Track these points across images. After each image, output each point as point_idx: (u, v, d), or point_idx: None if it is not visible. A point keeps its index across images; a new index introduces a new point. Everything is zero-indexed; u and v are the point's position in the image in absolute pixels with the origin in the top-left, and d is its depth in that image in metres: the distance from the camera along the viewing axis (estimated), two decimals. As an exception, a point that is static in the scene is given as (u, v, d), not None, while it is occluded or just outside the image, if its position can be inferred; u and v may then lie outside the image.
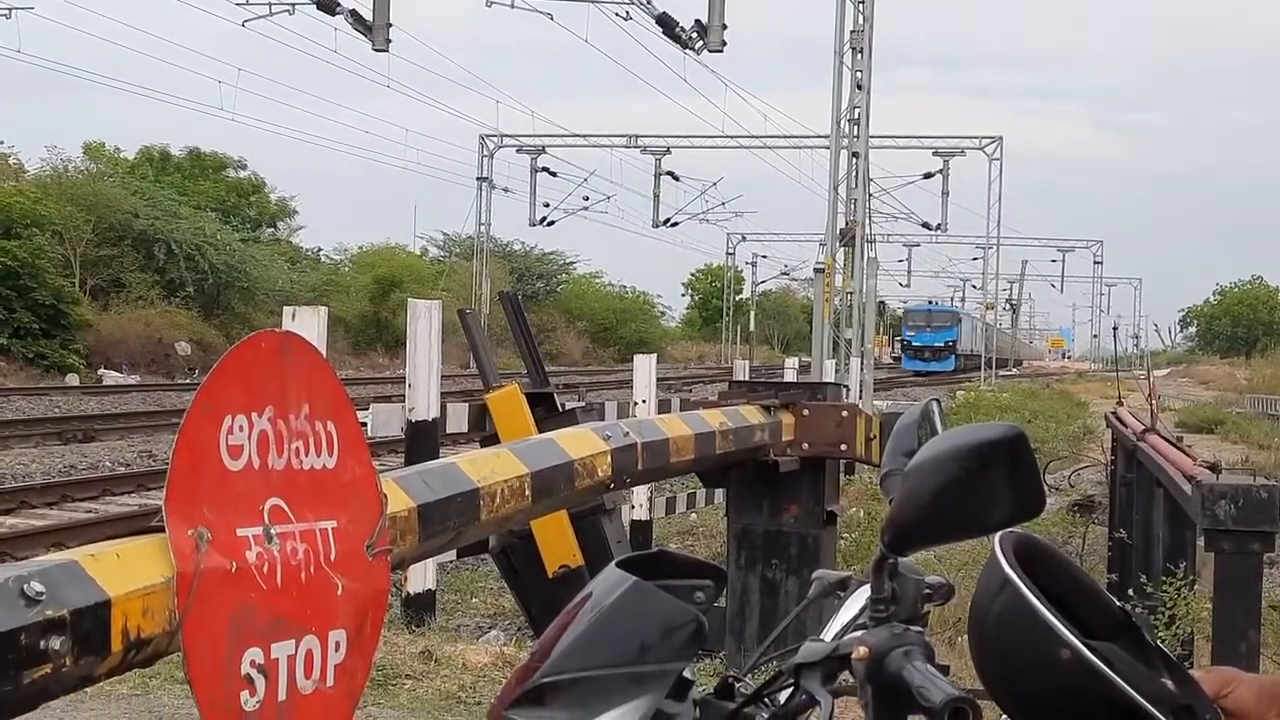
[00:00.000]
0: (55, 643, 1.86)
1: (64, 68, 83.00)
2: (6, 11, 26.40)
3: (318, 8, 22.82)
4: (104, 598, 1.97)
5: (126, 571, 2.04)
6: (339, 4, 22.57)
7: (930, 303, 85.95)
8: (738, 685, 1.74)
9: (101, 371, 33.58)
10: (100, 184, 40.90)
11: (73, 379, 31.96)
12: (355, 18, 22.36)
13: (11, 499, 13.93)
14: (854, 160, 22.18)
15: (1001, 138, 50.09)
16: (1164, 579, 7.56)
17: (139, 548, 2.10)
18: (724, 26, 21.46)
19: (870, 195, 23.97)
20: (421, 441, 7.73)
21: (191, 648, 2.09)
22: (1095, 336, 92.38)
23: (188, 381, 31.18)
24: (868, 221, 23.42)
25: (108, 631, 1.97)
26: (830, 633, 1.74)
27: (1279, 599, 9.91)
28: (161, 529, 2.10)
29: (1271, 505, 5.47)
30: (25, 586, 1.85)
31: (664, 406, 10.88)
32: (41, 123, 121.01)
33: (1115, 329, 49.03)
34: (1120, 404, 12.79)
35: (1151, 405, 10.81)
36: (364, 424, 2.70)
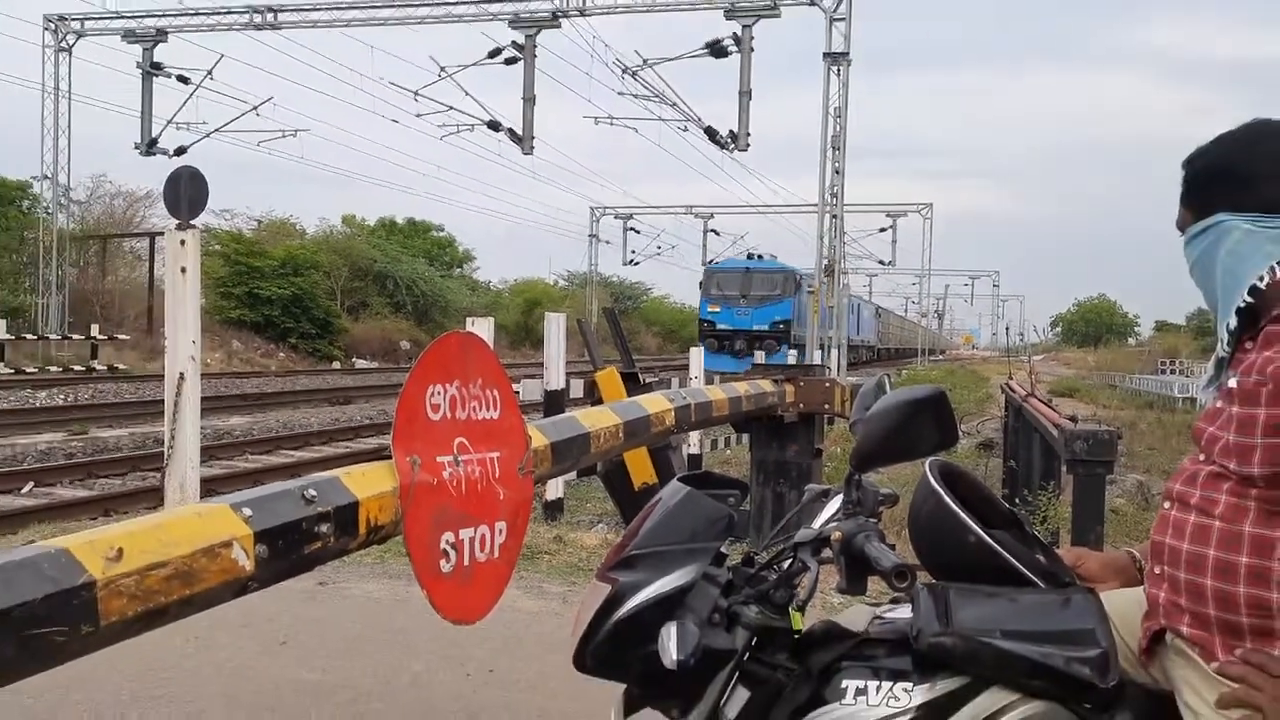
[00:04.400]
0: (323, 528, 1.89)
1: (329, 168, 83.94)
2: (294, 131, 26.70)
3: (488, 127, 22.90)
4: (354, 499, 1.98)
5: (368, 483, 2.05)
6: (500, 124, 22.64)
7: (750, 258, 34.76)
8: (756, 557, 1.74)
9: (354, 360, 33.97)
10: (353, 241, 41.23)
11: (336, 365, 32.36)
12: (511, 133, 22.39)
13: (300, 440, 14.15)
14: (833, 220, 21.89)
15: (932, 204, 49.65)
16: (1040, 493, 7.46)
17: (376, 468, 2.11)
18: (748, 134, 21.24)
19: (844, 243, 23.65)
20: (553, 403, 7.75)
21: (410, 532, 2.11)
22: (994, 334, 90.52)
23: (408, 366, 31.42)
24: (842, 260, 23.16)
25: (357, 521, 1.98)
26: (817, 523, 1.73)
27: (1115, 505, 9.71)
28: (389, 457, 2.13)
29: (1112, 444, 5.43)
30: (305, 492, 1.87)
31: (709, 380, 10.88)
32: (315, 203, 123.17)
33: (1007, 329, 47.97)
34: (1010, 378, 12.57)
35: (1031, 379, 10.63)
36: (517, 391, 2.70)
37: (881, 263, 49.36)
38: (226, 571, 1.59)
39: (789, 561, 1.65)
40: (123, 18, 24.97)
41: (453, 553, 2.21)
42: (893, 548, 1.57)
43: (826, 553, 1.62)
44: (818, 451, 7.69)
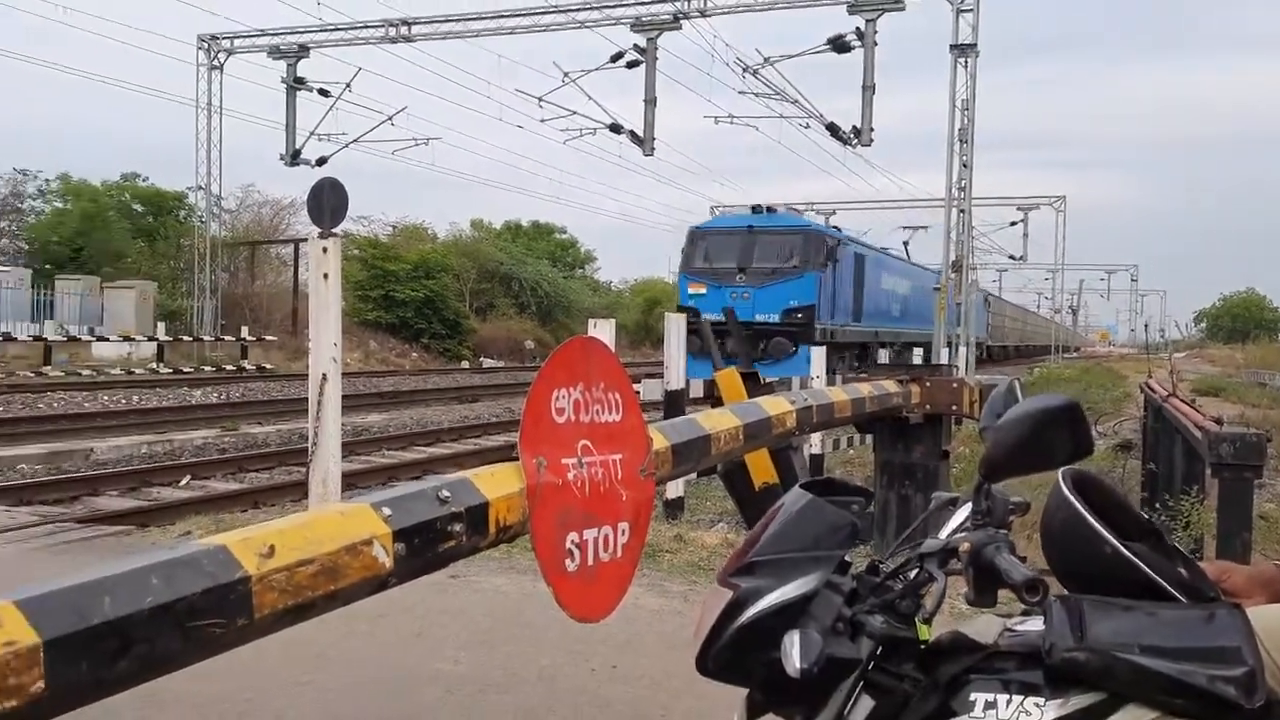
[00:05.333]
0: (456, 527, 1.94)
1: (458, 174, 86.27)
2: (426, 140, 27.54)
3: (610, 130, 23.13)
4: (484, 500, 2.03)
5: (497, 484, 2.10)
6: (622, 126, 22.83)
7: (758, 211, 22.67)
8: (881, 566, 1.71)
9: (482, 359, 34.80)
10: (480, 244, 42.21)
11: (464, 364, 33.22)
12: (632, 135, 22.55)
13: (431, 437, 14.59)
14: (961, 215, 21.31)
15: (1065, 196, 47.60)
16: (1182, 498, 7.10)
17: (504, 470, 2.16)
18: (872, 129, 20.86)
19: (972, 238, 22.99)
20: (674, 403, 7.78)
21: (536, 531, 2.15)
22: (1133, 331, 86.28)
23: (533, 365, 32.08)
24: (970, 255, 22.52)
25: (487, 520, 2.03)
26: (944, 533, 1.69)
27: (1265, 510, 9.15)
28: (516, 458, 2.18)
29: (1260, 447, 5.15)
30: (439, 493, 1.94)
31: (830, 381, 10.74)
32: (444, 208, 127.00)
33: (1146, 325, 45.90)
34: (1150, 377, 12.00)
35: (1173, 377, 10.11)
36: (638, 391, 2.73)
37: (1012, 257, 47.79)
38: (367, 568, 1.66)
39: (915, 571, 1.63)
40: (268, 35, 26.22)
41: (577, 552, 2.25)
42: (1023, 559, 1.52)
43: (954, 563, 1.59)
44: (945, 453, 7.51)
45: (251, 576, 1.44)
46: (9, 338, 23.42)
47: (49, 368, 21.99)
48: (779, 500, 1.76)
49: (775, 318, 20.78)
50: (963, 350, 20.57)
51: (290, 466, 11.19)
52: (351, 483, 9.27)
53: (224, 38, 27.15)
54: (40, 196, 36.45)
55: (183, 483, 10.27)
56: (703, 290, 21.48)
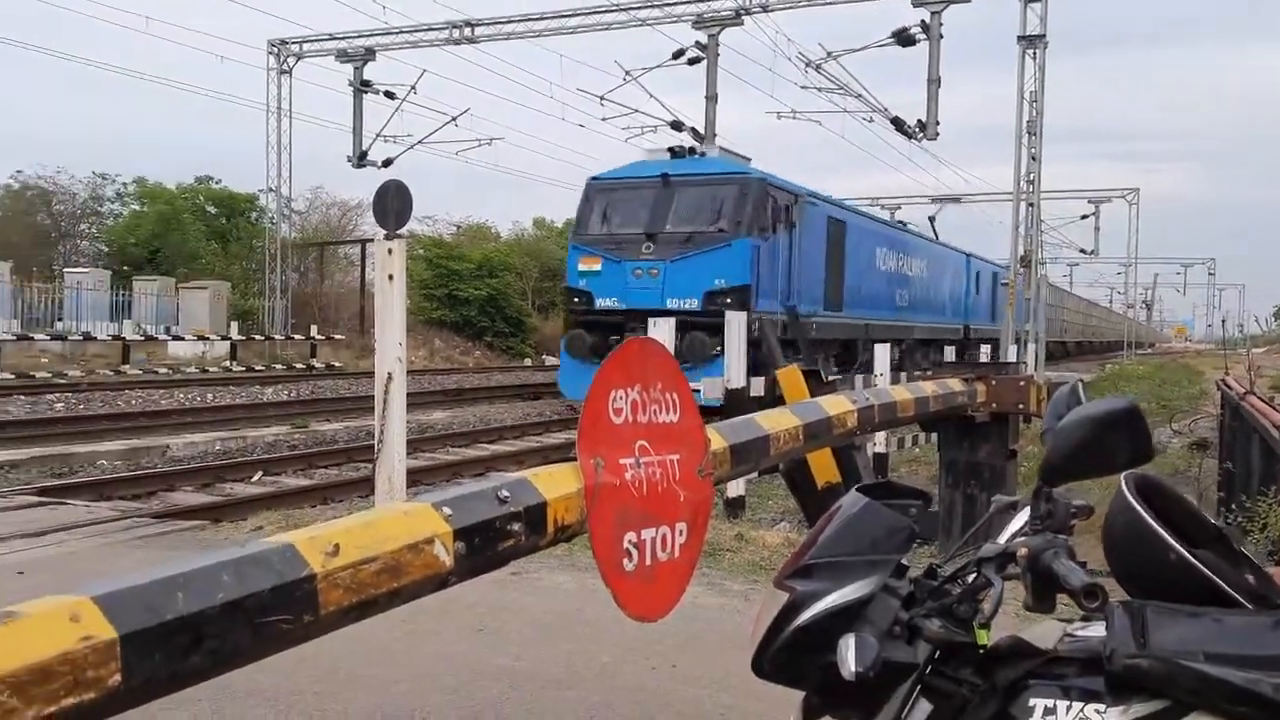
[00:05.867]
0: (516, 526, 1.97)
1: (521, 173, 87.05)
2: (489, 140, 27.85)
3: (671, 127, 23.15)
4: (543, 500, 2.06)
5: (556, 484, 2.12)
6: (683, 124, 22.83)
7: (677, 155, 16.95)
8: (939, 570, 1.70)
9: (544, 357, 35.07)
10: (542, 243, 42.50)
11: (527, 362, 33.50)
12: (694, 132, 22.53)
13: (494, 434, 14.75)
14: (1030, 208, 20.91)
15: (1138, 189, 46.51)
16: (1259, 498, 6.91)
17: (562, 470, 2.19)
18: (937, 123, 20.57)
19: (1041, 232, 22.52)
20: (734, 401, 7.77)
21: (595, 531, 2.17)
22: (1209, 326, 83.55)
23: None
24: (1039, 250, 22.08)
25: (545, 520, 2.06)
26: (1003, 538, 1.68)
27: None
28: (574, 458, 2.20)
29: (1341, 447, 4.96)
30: (499, 493, 1.97)
31: (895, 379, 10.64)
32: (509, 206, 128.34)
33: (1224, 320, 44.53)
34: (1227, 373, 11.66)
35: (1250, 374, 9.81)
36: (696, 391, 2.73)
37: (1083, 251, 46.76)
38: (429, 566, 1.70)
39: (973, 576, 1.61)
40: (335, 39, 26.73)
41: (635, 552, 2.26)
42: (1083, 565, 1.50)
43: (1012, 568, 1.58)
44: (1012, 453, 7.38)
45: (317, 574, 1.48)
46: (89, 337, 24.23)
47: (127, 366, 22.69)
48: (835, 504, 1.76)
49: (696, 304, 15.07)
50: (1031, 347, 20.20)
51: (358, 463, 11.41)
52: (416, 479, 9.43)
53: (293, 42, 27.74)
54: (118, 200, 37.60)
55: (254, 478, 10.53)
56: (596, 267, 15.89)
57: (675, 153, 17.34)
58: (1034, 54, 20.14)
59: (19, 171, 36.06)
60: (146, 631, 1.24)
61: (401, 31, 25.74)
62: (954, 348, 22.16)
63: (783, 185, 17.00)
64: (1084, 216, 43.46)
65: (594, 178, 17.43)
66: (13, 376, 19.55)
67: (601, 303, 15.95)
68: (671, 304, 14.92)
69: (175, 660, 1.27)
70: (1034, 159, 20.59)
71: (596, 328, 15.71)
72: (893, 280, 22.27)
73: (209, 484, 10.09)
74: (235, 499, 9.14)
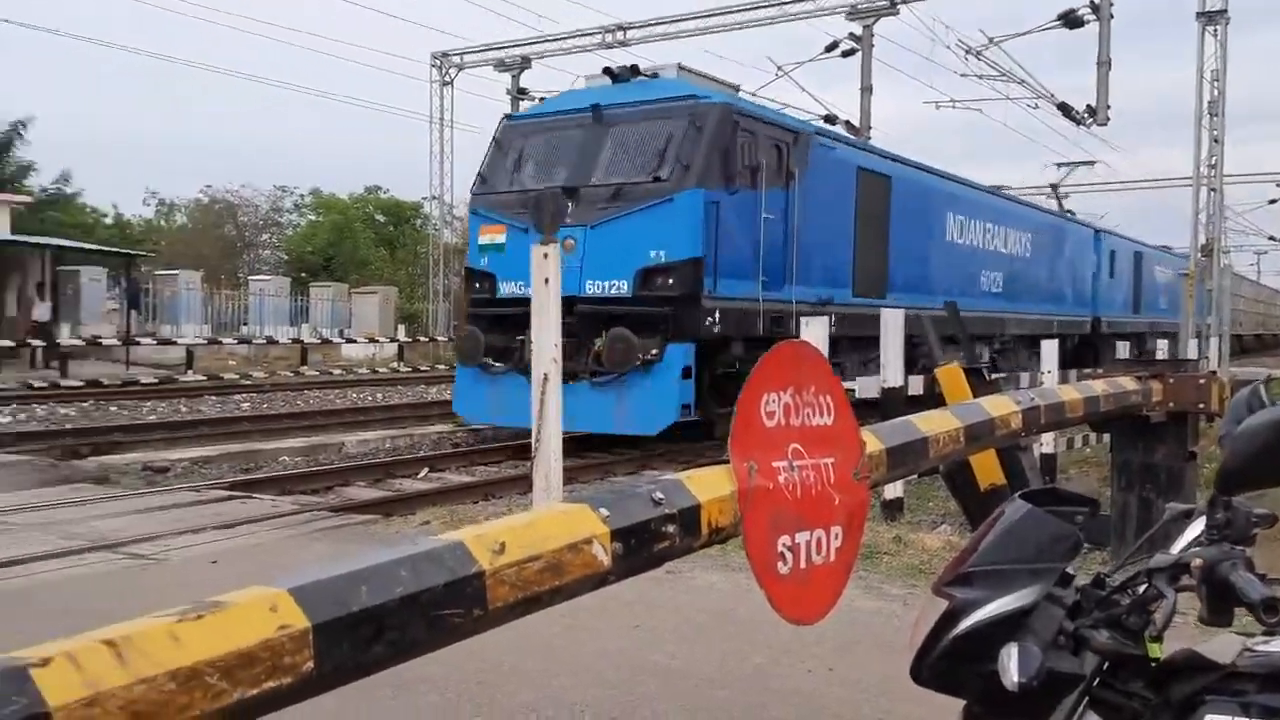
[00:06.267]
0: (670, 528, 2.00)
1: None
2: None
3: (824, 121, 22.71)
4: (697, 502, 2.07)
5: (709, 486, 2.14)
6: (836, 117, 22.36)
7: (617, 79, 11.64)
8: (1107, 580, 1.65)
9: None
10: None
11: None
12: (848, 124, 22.02)
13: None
14: (1211, 194, 19.61)
15: (1335, 169, 42.76)
16: None
17: (715, 473, 2.20)
18: (1108, 107, 19.57)
19: (1224, 219, 21.08)
20: (891, 400, 7.62)
21: (748, 534, 2.18)
22: None
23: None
24: (1222, 238, 20.67)
25: (699, 522, 2.07)
26: (1176, 548, 1.61)
27: None
28: (727, 462, 2.22)
29: None
30: (653, 495, 2.01)
31: (1064, 378, 10.16)
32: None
33: None
34: None
35: None
36: (850, 390, 2.71)
37: (1272, 239, 43.52)
38: (588, 565, 1.77)
39: (1144, 587, 1.56)
40: (494, 49, 27.63)
41: (790, 555, 2.26)
42: (1262, 577, 1.43)
43: (1186, 579, 1.51)
44: (1191, 454, 6.95)
45: (485, 571, 1.56)
46: (272, 341, 25.93)
47: (306, 367, 24.13)
48: (998, 508, 1.73)
49: (624, 287, 11.02)
50: (1213, 342, 18.93)
51: (516, 461, 11.76)
52: (571, 477, 9.64)
53: (454, 54, 28.83)
54: (295, 210, 39.98)
55: (420, 475, 11.01)
56: (500, 238, 11.85)
57: (614, 76, 12.31)
58: (1215, 30, 18.87)
59: (208, 186, 38.86)
60: (335, 622, 1.34)
61: (557, 39, 26.37)
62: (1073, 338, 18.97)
63: (772, 118, 12.34)
64: (1272, 201, 40.43)
65: (509, 116, 13.54)
66: (204, 378, 21.11)
67: (506, 289, 11.69)
68: (591, 289, 10.99)
69: (360, 650, 1.37)
70: (1216, 141, 19.32)
71: (499, 324, 11.70)
72: (975, 258, 17.14)
73: (380, 479, 10.61)
74: (404, 494, 9.58)
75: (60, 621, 4.17)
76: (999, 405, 4.19)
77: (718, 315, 11.09)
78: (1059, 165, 27.94)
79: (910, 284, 14.74)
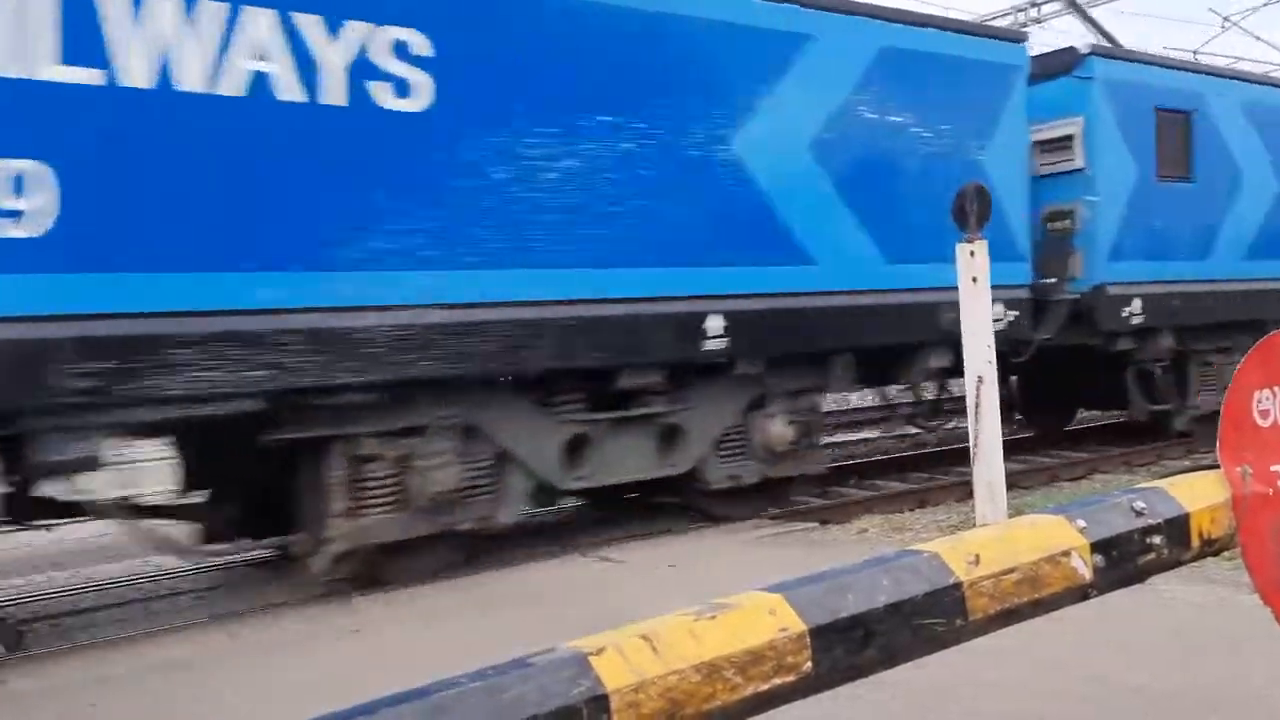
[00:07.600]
0: (1155, 539, 1.90)
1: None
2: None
3: (1287, 66, 19.73)
4: (1184, 512, 1.96)
5: (1197, 494, 2.01)
6: None
7: None
8: None
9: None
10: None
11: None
12: None
13: (1095, 434, 13.76)
14: None
15: None
16: None
17: (1203, 479, 2.06)
18: None
19: None
20: None
21: (1247, 545, 2.01)
22: None
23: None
24: None
25: (1187, 533, 1.96)
26: None
27: None
28: (1217, 466, 2.06)
29: None
30: (1133, 505, 1.92)
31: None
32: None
33: None
34: None
35: None
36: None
37: None
38: (1068, 578, 1.73)
39: None
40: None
41: (1300, 571, 2.04)
42: None
43: None
44: None
45: (963, 582, 1.59)
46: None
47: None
48: None
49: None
50: None
51: (949, 466, 11.42)
52: (1012, 482, 9.16)
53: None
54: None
55: (850, 482, 11.07)
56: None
57: None
58: None
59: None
60: (828, 627, 1.45)
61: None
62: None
63: None
64: None
65: None
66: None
67: None
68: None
69: (853, 653, 1.47)
70: None
71: None
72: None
73: (822, 492, 10.81)
74: (845, 501, 9.69)
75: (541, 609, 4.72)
76: None
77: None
78: None
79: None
